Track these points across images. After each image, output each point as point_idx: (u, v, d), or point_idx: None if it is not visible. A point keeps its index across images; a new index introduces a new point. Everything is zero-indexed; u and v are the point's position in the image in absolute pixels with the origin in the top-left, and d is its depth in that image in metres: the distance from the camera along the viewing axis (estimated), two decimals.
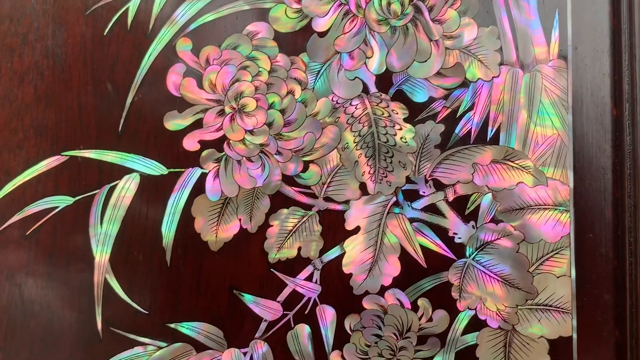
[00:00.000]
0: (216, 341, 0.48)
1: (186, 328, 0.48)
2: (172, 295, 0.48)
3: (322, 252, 0.48)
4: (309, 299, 0.48)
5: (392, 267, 0.48)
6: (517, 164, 0.48)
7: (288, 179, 0.48)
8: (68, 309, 0.48)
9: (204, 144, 0.48)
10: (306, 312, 0.48)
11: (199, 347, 0.48)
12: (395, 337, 0.48)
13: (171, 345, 0.48)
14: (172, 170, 0.48)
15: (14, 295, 0.48)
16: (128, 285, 0.48)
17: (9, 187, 0.48)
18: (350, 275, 0.48)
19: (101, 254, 0.48)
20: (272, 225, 0.48)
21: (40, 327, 0.48)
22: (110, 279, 0.48)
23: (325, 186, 0.48)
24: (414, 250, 0.48)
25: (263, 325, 0.48)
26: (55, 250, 0.48)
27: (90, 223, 0.48)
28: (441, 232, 0.48)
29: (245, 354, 0.48)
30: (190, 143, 0.48)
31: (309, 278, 0.48)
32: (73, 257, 0.48)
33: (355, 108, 0.48)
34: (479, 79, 0.48)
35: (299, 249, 0.48)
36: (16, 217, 0.48)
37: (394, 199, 0.48)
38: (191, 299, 0.48)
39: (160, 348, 0.48)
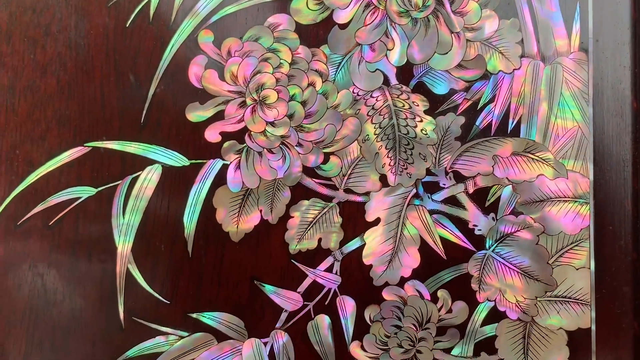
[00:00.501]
0: (237, 331, 0.49)
1: (207, 318, 0.49)
2: (193, 286, 0.49)
3: (342, 243, 0.49)
4: (329, 289, 0.49)
5: (411, 259, 0.49)
6: (537, 156, 0.48)
7: (308, 171, 0.49)
8: (90, 299, 0.49)
9: (226, 136, 0.49)
10: (326, 303, 0.49)
11: (220, 336, 0.49)
12: (414, 328, 0.49)
13: (192, 335, 0.49)
14: (193, 161, 0.49)
15: (37, 284, 0.49)
16: (150, 275, 0.49)
17: (32, 178, 0.49)
18: (370, 266, 0.49)
19: (123, 244, 0.49)
20: (293, 217, 0.49)
21: (63, 316, 0.49)
22: (133, 269, 0.49)
23: (346, 178, 0.49)
24: (434, 241, 0.49)
25: (283, 316, 0.49)
26: (77, 240, 0.49)
27: (113, 214, 0.49)
28: (461, 224, 0.49)
29: (265, 344, 0.49)
30: (211, 134, 0.49)
31: (329, 269, 0.49)
32: (95, 247, 0.49)
33: (376, 100, 0.49)
34: (499, 71, 0.48)
35: (319, 240, 0.49)
36: (39, 208, 0.49)
37: (414, 190, 0.49)
38: (212, 289, 0.49)
39: (182, 338, 0.49)
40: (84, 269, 0.49)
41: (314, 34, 0.49)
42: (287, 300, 0.49)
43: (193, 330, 0.49)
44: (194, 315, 0.49)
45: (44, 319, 0.49)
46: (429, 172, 0.49)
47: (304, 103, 0.48)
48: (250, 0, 0.49)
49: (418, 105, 0.49)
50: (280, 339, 0.49)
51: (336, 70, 0.49)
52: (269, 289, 0.49)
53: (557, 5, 0.49)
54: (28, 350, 0.49)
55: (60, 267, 0.49)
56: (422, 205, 0.49)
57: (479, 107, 0.49)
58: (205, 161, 0.49)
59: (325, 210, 0.49)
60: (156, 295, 0.49)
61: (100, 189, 0.49)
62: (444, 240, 0.49)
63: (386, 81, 0.49)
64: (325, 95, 0.49)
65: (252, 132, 0.49)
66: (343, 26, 0.49)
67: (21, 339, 0.49)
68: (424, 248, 0.49)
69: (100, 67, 0.49)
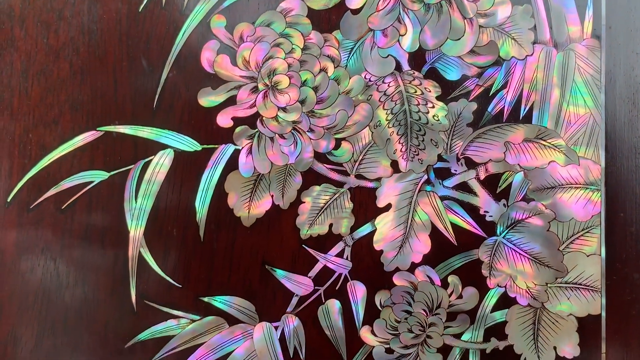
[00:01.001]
0: (248, 315, 0.50)
1: (219, 302, 0.50)
2: (205, 270, 0.50)
3: (353, 229, 0.50)
4: (340, 274, 0.50)
5: (422, 245, 0.49)
6: (549, 142, 0.49)
7: (320, 156, 0.50)
8: (102, 282, 0.50)
9: (237, 121, 0.49)
10: (337, 288, 0.50)
11: (231, 320, 0.50)
12: (425, 314, 0.49)
13: (204, 319, 0.50)
14: (205, 146, 0.50)
15: (49, 268, 0.50)
16: (162, 259, 0.50)
17: (45, 162, 0.50)
18: (381, 252, 0.49)
19: (136, 228, 0.50)
20: (304, 202, 0.50)
21: (75, 300, 0.50)
22: (145, 253, 0.50)
23: (357, 164, 0.50)
24: (445, 227, 0.49)
25: (294, 300, 0.50)
26: (90, 224, 0.50)
27: (125, 198, 0.50)
28: (472, 210, 0.49)
29: (276, 328, 0.50)
30: (223, 120, 0.50)
31: (340, 254, 0.50)
32: (108, 231, 0.50)
33: (388, 86, 0.49)
34: (512, 57, 0.49)
35: (330, 225, 0.50)
36: (52, 192, 0.50)
37: (426, 176, 0.49)
38: (224, 274, 0.50)
39: (193, 321, 0.50)
40: (96, 252, 0.50)
41: (326, 19, 0.49)
42: (298, 284, 0.50)
43: (204, 314, 0.50)
44: (206, 299, 0.50)
45: (56, 302, 0.50)
46: (440, 158, 0.49)
47: (315, 89, 0.49)
48: None
49: (430, 91, 0.49)
50: (291, 323, 0.50)
51: (348, 56, 0.49)
52: (280, 273, 0.50)
53: None
54: (40, 333, 0.50)
55: (72, 251, 0.50)
56: (433, 192, 0.49)
57: (491, 93, 0.49)
58: (217, 146, 0.50)
59: (337, 195, 0.50)
60: (168, 279, 0.50)
61: (112, 173, 0.50)
62: (454, 227, 0.49)
63: (398, 67, 0.49)
64: (337, 81, 0.49)
65: (263, 118, 0.49)
66: (355, 11, 0.49)
67: (33, 322, 0.50)
68: (435, 234, 0.49)
69: (113, 51, 0.50)
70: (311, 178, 0.50)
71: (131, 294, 0.50)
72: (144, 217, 0.50)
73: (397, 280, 0.50)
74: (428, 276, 0.50)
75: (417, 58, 0.49)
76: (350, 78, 0.49)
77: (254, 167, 0.50)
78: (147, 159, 0.50)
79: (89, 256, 0.50)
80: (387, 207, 0.50)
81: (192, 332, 0.50)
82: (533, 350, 0.49)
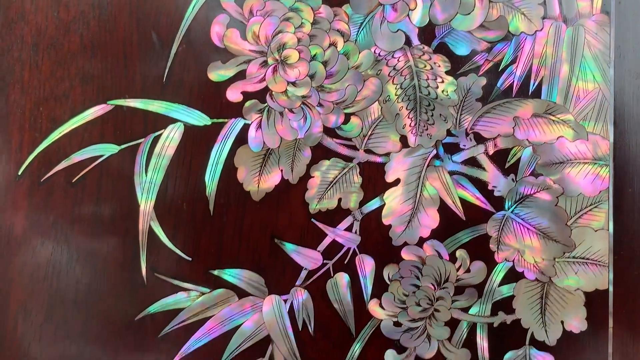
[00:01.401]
0: (257, 288, 0.50)
1: (228, 275, 0.50)
2: (214, 243, 0.50)
3: (362, 203, 0.50)
4: (349, 249, 0.50)
5: (431, 219, 0.50)
6: (558, 117, 0.49)
7: (329, 131, 0.50)
8: (113, 255, 0.51)
9: (247, 95, 0.50)
10: (345, 262, 0.50)
11: (241, 293, 0.51)
12: (433, 287, 0.50)
13: (214, 292, 0.51)
14: (215, 120, 0.50)
15: (60, 241, 0.51)
16: (172, 232, 0.50)
17: (55, 135, 0.50)
18: (390, 226, 0.50)
19: (146, 202, 0.50)
20: (313, 177, 0.50)
21: (86, 273, 0.51)
22: (155, 226, 0.50)
23: (366, 138, 0.50)
24: (453, 202, 0.50)
25: (303, 274, 0.50)
26: (100, 197, 0.50)
27: (135, 171, 0.50)
28: (480, 185, 0.50)
29: (285, 301, 0.50)
30: (233, 94, 0.50)
31: (349, 228, 0.50)
32: (118, 205, 0.50)
33: (398, 60, 0.49)
34: (522, 32, 0.49)
35: (339, 200, 0.50)
36: (62, 165, 0.50)
37: (434, 151, 0.50)
38: (233, 247, 0.50)
39: (203, 294, 0.50)
40: (106, 226, 0.51)
41: None
42: (307, 258, 0.50)
43: (214, 287, 0.51)
44: (215, 272, 0.51)
45: (66, 276, 0.51)
46: (449, 133, 0.50)
47: (325, 63, 0.49)
48: None
49: (440, 66, 0.49)
50: (300, 296, 0.51)
51: (358, 30, 0.50)
52: (289, 247, 0.50)
53: None
54: (50, 305, 0.51)
55: (83, 224, 0.51)
56: (442, 166, 0.50)
57: (500, 68, 0.50)
58: (226, 120, 0.50)
59: (346, 170, 0.50)
60: (178, 252, 0.50)
61: (122, 147, 0.50)
62: (463, 201, 0.50)
63: (408, 42, 0.50)
64: (347, 56, 0.49)
65: (273, 92, 0.50)
66: None
67: (44, 295, 0.51)
68: (443, 209, 0.50)
69: (123, 25, 0.50)
70: (320, 153, 0.50)
71: (141, 267, 0.51)
72: (154, 191, 0.50)
73: (405, 254, 0.50)
74: (436, 250, 0.50)
75: (427, 33, 0.50)
76: (359, 53, 0.50)
77: (264, 142, 0.50)
78: (157, 133, 0.50)
79: (100, 230, 0.51)
80: (396, 182, 0.50)
81: (201, 304, 0.51)
82: (540, 325, 0.50)
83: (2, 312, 0.51)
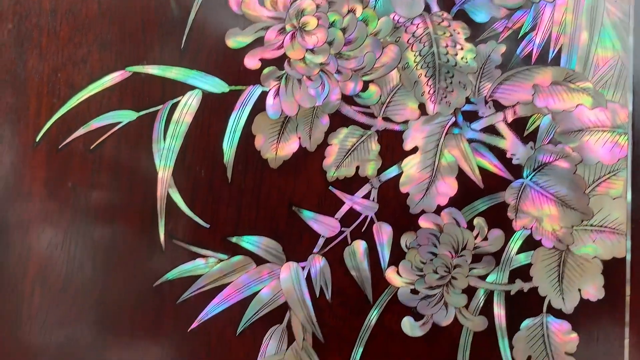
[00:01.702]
0: (275, 255, 0.51)
1: (246, 242, 0.51)
2: (232, 210, 0.51)
3: (380, 171, 0.51)
4: (366, 216, 0.51)
5: (449, 187, 0.50)
6: (577, 85, 0.49)
7: (347, 99, 0.50)
8: (131, 222, 0.51)
9: (265, 62, 0.50)
10: (363, 230, 0.51)
11: (259, 260, 0.51)
12: (450, 255, 0.50)
13: (231, 258, 0.51)
14: (233, 87, 0.50)
15: (79, 207, 0.51)
16: (190, 199, 0.51)
17: (74, 101, 0.51)
18: (407, 194, 0.50)
19: (164, 169, 0.50)
20: (331, 144, 0.50)
21: (104, 239, 0.51)
22: (173, 193, 0.50)
23: (385, 106, 0.50)
24: (472, 170, 0.50)
25: (321, 241, 0.51)
26: (118, 164, 0.51)
27: (154, 138, 0.51)
28: (499, 153, 0.50)
29: (303, 268, 0.51)
30: (251, 61, 0.50)
31: (367, 196, 0.51)
32: (136, 171, 0.51)
33: (417, 27, 0.49)
34: None
35: (357, 167, 0.51)
36: (81, 131, 0.51)
37: (453, 119, 0.50)
38: (251, 214, 0.51)
39: (221, 261, 0.51)
40: (125, 192, 0.51)
41: None
42: (324, 226, 0.51)
43: (232, 254, 0.51)
44: (233, 239, 0.51)
45: (84, 241, 0.51)
46: (468, 100, 0.50)
47: (343, 30, 0.49)
48: None
49: (459, 33, 0.49)
50: (318, 263, 0.51)
51: None
52: (307, 214, 0.51)
53: None
54: (69, 271, 0.51)
55: (101, 190, 0.51)
56: (460, 134, 0.50)
57: (519, 35, 0.50)
58: (244, 88, 0.50)
59: (364, 138, 0.51)
60: (196, 219, 0.51)
61: (141, 113, 0.51)
62: (481, 169, 0.50)
63: (427, 8, 0.50)
64: (366, 22, 0.50)
65: (291, 59, 0.50)
66: None
67: (62, 261, 0.51)
68: (462, 177, 0.50)
69: None
70: (338, 120, 0.51)
71: (160, 233, 0.51)
72: (172, 158, 0.51)
73: (423, 222, 0.51)
74: (454, 218, 0.50)
75: None
76: (378, 19, 0.50)
77: (281, 109, 0.50)
78: (175, 100, 0.51)
79: (118, 196, 0.51)
80: (414, 150, 0.50)
81: (219, 271, 0.51)
82: (557, 292, 0.50)
83: (20, 280, 0.51)
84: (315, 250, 0.51)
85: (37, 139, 0.51)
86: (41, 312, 0.51)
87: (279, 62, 0.50)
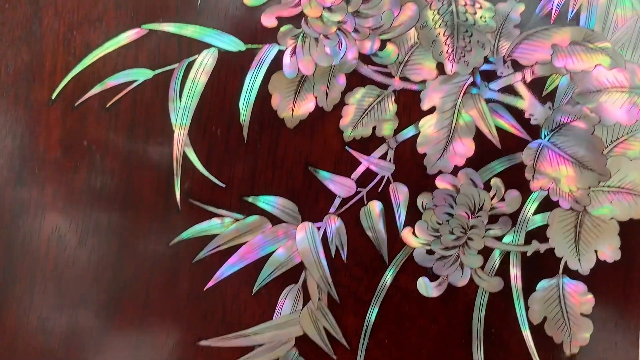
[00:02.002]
0: (291, 215, 0.51)
1: (262, 202, 0.51)
2: (248, 170, 0.51)
3: (397, 131, 0.51)
4: (383, 177, 0.51)
5: (466, 148, 0.50)
6: (595, 45, 0.49)
7: (365, 58, 0.50)
8: (147, 181, 0.51)
9: (282, 21, 0.50)
10: (379, 190, 0.51)
11: (274, 220, 0.51)
12: (466, 216, 0.50)
13: (247, 218, 0.51)
14: (249, 46, 0.50)
15: (95, 165, 0.51)
16: (206, 159, 0.51)
17: (89, 59, 0.51)
18: (424, 154, 0.50)
19: (180, 128, 0.51)
20: (348, 104, 0.50)
21: (120, 198, 0.51)
22: (189, 152, 0.51)
23: (402, 65, 0.50)
24: (489, 130, 0.50)
25: (337, 201, 0.51)
26: (134, 123, 0.51)
27: (169, 97, 0.51)
28: (517, 114, 0.50)
29: (319, 228, 0.51)
30: (268, 19, 0.50)
31: (383, 157, 0.51)
32: (152, 130, 0.51)
33: None
34: None
35: (374, 128, 0.51)
36: (96, 90, 0.51)
37: (471, 79, 0.50)
38: (267, 174, 0.51)
39: (237, 220, 0.51)
40: (140, 151, 0.51)
41: None
42: (340, 186, 0.51)
43: (248, 214, 0.51)
44: (249, 199, 0.51)
45: (100, 200, 0.51)
46: (486, 60, 0.50)
47: None
48: None
49: None
50: (334, 223, 0.51)
51: None
52: (323, 175, 0.51)
53: None
54: (84, 229, 0.51)
55: (117, 149, 0.51)
56: (478, 94, 0.50)
57: None
58: (261, 46, 0.50)
59: (381, 98, 0.51)
60: (212, 178, 0.51)
61: (157, 72, 0.51)
62: (499, 130, 0.50)
63: None
64: None
65: (308, 17, 0.50)
66: None
67: (78, 219, 0.51)
68: (479, 137, 0.50)
69: None
70: (355, 80, 0.51)
71: (175, 192, 0.51)
72: (188, 117, 0.51)
73: (439, 182, 0.51)
74: (471, 179, 0.50)
75: None
76: None
77: (298, 68, 0.50)
78: (191, 58, 0.50)
79: (134, 155, 0.51)
80: (432, 110, 0.50)
81: (235, 231, 0.51)
82: (574, 254, 0.51)
83: (35, 236, 0.51)
84: (331, 210, 0.51)
85: (53, 97, 0.51)
86: (57, 267, 0.52)
87: (296, 20, 0.50)
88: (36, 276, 0.52)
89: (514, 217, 0.51)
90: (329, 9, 0.50)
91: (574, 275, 0.51)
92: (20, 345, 0.52)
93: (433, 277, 0.51)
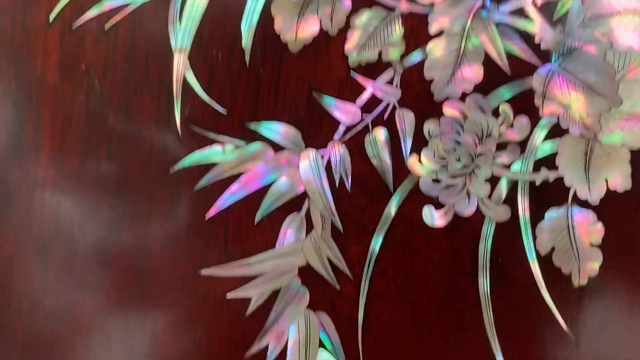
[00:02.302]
0: (294, 142, 0.50)
1: (264, 128, 0.50)
2: (250, 96, 0.50)
3: (404, 56, 0.49)
4: (388, 104, 0.50)
5: (474, 73, 0.49)
6: None
7: None
8: (146, 105, 0.50)
9: None
10: (385, 118, 0.50)
11: (277, 147, 0.50)
12: (474, 143, 0.49)
13: (249, 145, 0.50)
14: None
15: (92, 90, 0.50)
16: (207, 84, 0.50)
17: None
18: (431, 80, 0.49)
19: (180, 51, 0.50)
20: (353, 28, 0.49)
21: (119, 123, 0.51)
22: (189, 77, 0.50)
23: None
24: (499, 55, 0.49)
25: (341, 129, 0.50)
26: (133, 45, 0.50)
27: (169, 19, 0.49)
28: (527, 38, 0.49)
29: (323, 156, 0.50)
30: None
31: (389, 82, 0.49)
32: (152, 53, 0.50)
33: None
34: None
35: (380, 52, 0.49)
36: (94, 12, 0.50)
37: (481, 1, 0.48)
38: (270, 101, 0.50)
39: (238, 147, 0.50)
40: (140, 75, 0.50)
41: None
42: (345, 112, 0.50)
43: (250, 140, 0.50)
44: (251, 126, 0.50)
45: (99, 126, 0.51)
46: None
47: None
48: None
49: None
50: (338, 151, 0.50)
51: None
52: (327, 100, 0.50)
53: None
54: (84, 155, 0.51)
55: (116, 73, 0.50)
56: (488, 17, 0.49)
57: None
58: None
59: (387, 21, 0.49)
60: (213, 104, 0.50)
61: None
62: (508, 55, 0.49)
63: None
64: None
65: None
66: None
67: (76, 144, 0.51)
68: (488, 62, 0.49)
69: None
70: (361, 2, 0.49)
71: (175, 118, 0.50)
72: (188, 40, 0.50)
73: (447, 109, 0.50)
74: (479, 105, 0.49)
75: None
76: None
77: None
78: None
79: (133, 79, 0.50)
80: (439, 34, 0.49)
81: (237, 158, 0.50)
82: (583, 182, 0.50)
83: (34, 160, 0.51)
84: (335, 137, 0.50)
85: (50, 20, 0.50)
86: (55, 192, 0.51)
87: None
88: (35, 203, 0.51)
89: (522, 144, 0.50)
90: None
91: (583, 204, 0.50)
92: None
93: (439, 206, 0.50)
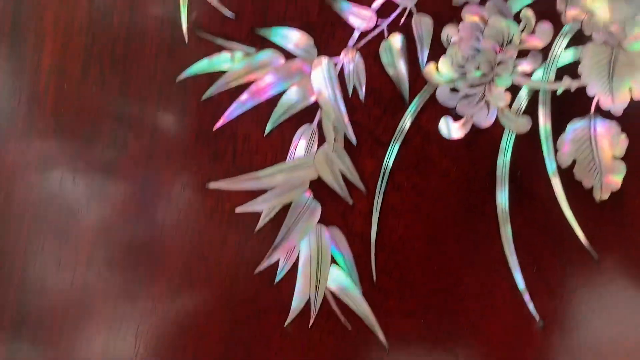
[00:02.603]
0: (306, 49, 0.48)
1: (275, 35, 0.48)
2: (260, 0, 0.48)
3: None
4: (405, 8, 0.48)
5: None
6: None
7: None
8: (152, 11, 0.49)
9: None
10: (401, 23, 0.48)
11: (288, 55, 0.48)
12: (494, 50, 0.47)
13: (259, 52, 0.48)
14: None
15: None
16: None
17: None
18: None
19: None
20: None
21: (122, 29, 0.48)
22: None
23: None
24: None
25: (356, 34, 0.48)
26: None
27: None
28: None
29: (335, 64, 0.48)
30: None
31: None
32: None
33: None
34: None
35: None
36: None
37: None
38: (280, 5, 0.48)
39: (248, 54, 0.48)
40: None
41: None
42: (359, 17, 0.48)
43: (260, 48, 0.48)
44: (261, 32, 0.48)
45: (102, 32, 0.49)
46: None
47: None
48: None
49: None
50: (352, 59, 0.48)
51: None
52: (340, 5, 0.48)
53: None
54: (86, 62, 0.49)
55: None
56: None
57: None
58: None
59: None
60: (222, 8, 0.48)
61: None
62: None
63: None
64: None
65: None
66: None
67: (78, 49, 0.49)
68: None
69: None
70: None
71: (182, 24, 0.48)
72: None
73: (466, 14, 0.48)
74: (500, 10, 0.47)
75: None
76: None
77: None
78: None
79: None
80: None
81: (246, 66, 0.49)
82: (607, 92, 0.48)
83: (34, 76, 0.49)
84: (349, 44, 0.48)
85: None
86: (57, 109, 0.49)
87: None
88: (37, 125, 0.49)
89: (545, 51, 0.48)
90: None
91: (606, 115, 0.48)
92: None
93: (456, 117, 0.49)
